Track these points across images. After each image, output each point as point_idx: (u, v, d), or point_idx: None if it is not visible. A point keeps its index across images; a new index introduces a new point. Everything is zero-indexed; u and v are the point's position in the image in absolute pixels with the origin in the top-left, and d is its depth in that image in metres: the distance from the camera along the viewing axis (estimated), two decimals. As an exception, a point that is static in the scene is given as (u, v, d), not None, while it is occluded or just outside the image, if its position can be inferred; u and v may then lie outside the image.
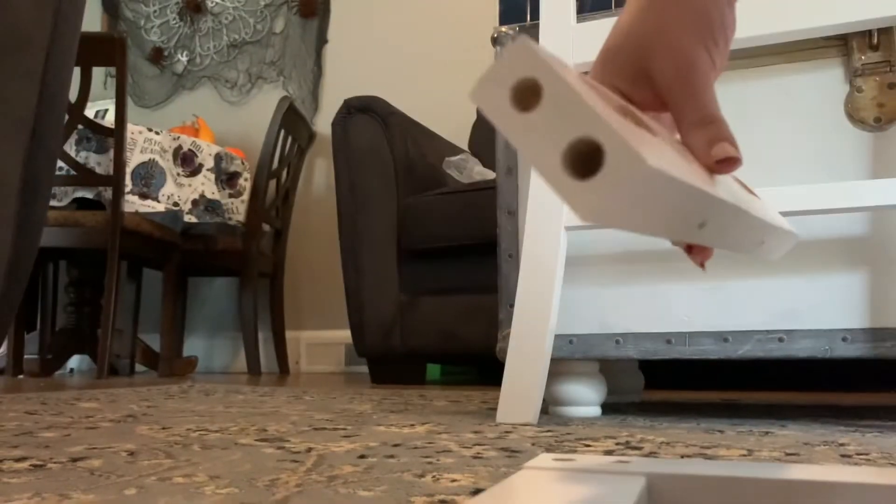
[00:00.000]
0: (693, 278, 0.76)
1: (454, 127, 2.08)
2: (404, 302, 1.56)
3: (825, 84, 0.75)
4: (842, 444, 0.58)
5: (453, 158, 1.69)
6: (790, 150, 0.75)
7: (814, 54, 0.75)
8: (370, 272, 1.59)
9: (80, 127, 1.76)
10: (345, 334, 2.32)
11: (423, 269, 1.57)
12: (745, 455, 0.52)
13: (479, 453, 0.53)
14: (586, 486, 0.29)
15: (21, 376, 1.85)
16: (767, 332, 0.72)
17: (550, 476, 0.31)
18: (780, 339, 0.71)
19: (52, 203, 1.81)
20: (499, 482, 0.41)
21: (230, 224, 2.10)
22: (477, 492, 0.38)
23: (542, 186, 0.77)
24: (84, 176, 1.76)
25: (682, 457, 0.51)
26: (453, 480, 0.42)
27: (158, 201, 2.03)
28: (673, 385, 1.42)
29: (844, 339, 0.70)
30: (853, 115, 0.73)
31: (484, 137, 1.88)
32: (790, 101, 0.76)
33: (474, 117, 2.06)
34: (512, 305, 0.79)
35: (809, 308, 0.72)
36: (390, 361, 1.61)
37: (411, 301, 1.56)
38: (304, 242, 2.42)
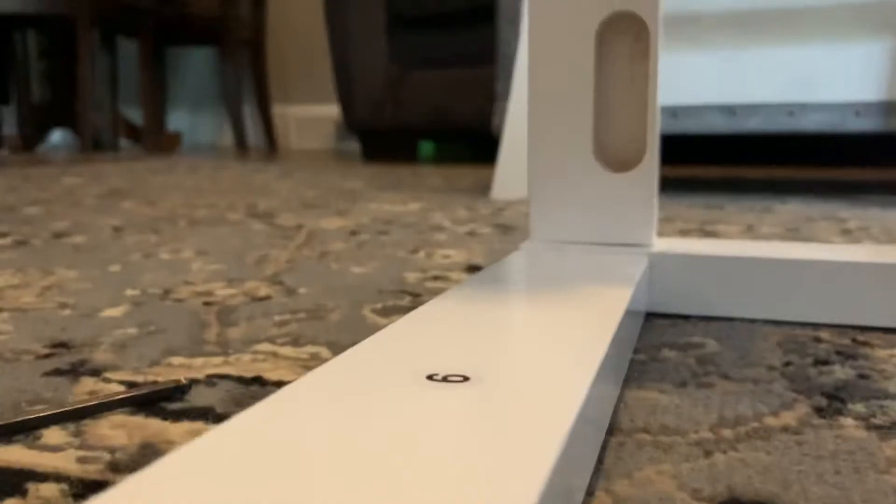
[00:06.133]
0: (703, 47, 0.71)
1: None
2: (395, 75, 1.49)
3: None
4: (842, 220, 0.57)
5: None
6: None
7: None
8: (358, 42, 1.50)
9: None
10: (335, 109, 2.26)
11: (414, 38, 1.48)
12: (745, 231, 0.51)
13: (473, 230, 0.51)
14: (589, 264, 0.28)
15: (3, 150, 1.82)
16: (778, 105, 0.68)
17: (550, 254, 0.30)
18: (791, 113, 0.68)
19: (9, -37, 1.66)
20: (494, 259, 0.40)
21: (205, -12, 1.96)
22: (472, 268, 0.37)
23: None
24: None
25: (681, 232, 0.50)
26: (446, 256, 0.40)
27: (125, -38, 1.87)
28: (674, 160, 1.40)
29: (857, 114, 0.66)
30: None
31: None
32: None
33: None
34: (511, 77, 0.74)
35: (825, 79, 0.67)
36: (382, 137, 1.58)
37: (402, 74, 1.49)
38: (286, 7, 2.27)
